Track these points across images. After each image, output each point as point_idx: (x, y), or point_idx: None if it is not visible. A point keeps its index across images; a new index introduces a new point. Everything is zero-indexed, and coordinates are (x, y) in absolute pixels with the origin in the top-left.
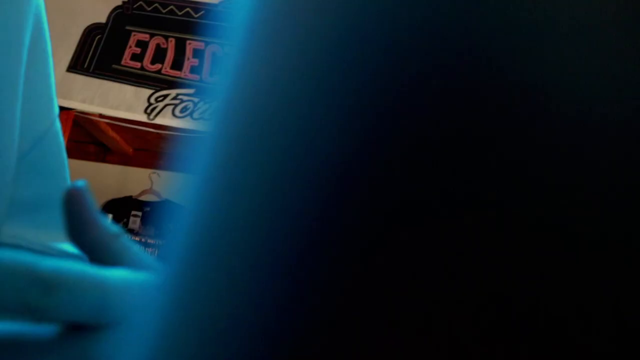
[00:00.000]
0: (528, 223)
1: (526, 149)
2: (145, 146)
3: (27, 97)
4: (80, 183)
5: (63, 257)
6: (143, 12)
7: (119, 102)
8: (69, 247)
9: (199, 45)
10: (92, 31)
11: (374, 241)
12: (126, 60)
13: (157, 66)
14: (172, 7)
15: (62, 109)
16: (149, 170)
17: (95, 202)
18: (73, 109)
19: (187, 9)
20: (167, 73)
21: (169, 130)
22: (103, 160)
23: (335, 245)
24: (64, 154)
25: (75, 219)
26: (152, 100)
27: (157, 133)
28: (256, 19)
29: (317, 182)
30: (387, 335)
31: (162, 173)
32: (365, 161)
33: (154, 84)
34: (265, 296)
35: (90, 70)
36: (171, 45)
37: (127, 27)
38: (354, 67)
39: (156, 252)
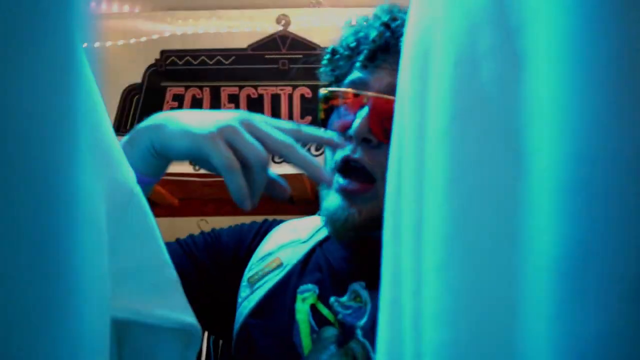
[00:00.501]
0: None
1: None
2: (189, 195)
3: (108, 164)
4: None
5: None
6: (176, 67)
7: None
8: (173, 313)
9: (234, 90)
10: (130, 92)
11: None
12: None
13: None
14: (202, 57)
15: None
16: (196, 219)
17: None
18: None
19: (218, 57)
20: None
21: (210, 177)
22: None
23: None
24: (151, 215)
25: None
26: None
27: (201, 181)
28: None
29: None
30: None
31: (210, 219)
32: None
33: None
34: None
35: None
36: (206, 94)
37: (162, 84)
38: None
39: None
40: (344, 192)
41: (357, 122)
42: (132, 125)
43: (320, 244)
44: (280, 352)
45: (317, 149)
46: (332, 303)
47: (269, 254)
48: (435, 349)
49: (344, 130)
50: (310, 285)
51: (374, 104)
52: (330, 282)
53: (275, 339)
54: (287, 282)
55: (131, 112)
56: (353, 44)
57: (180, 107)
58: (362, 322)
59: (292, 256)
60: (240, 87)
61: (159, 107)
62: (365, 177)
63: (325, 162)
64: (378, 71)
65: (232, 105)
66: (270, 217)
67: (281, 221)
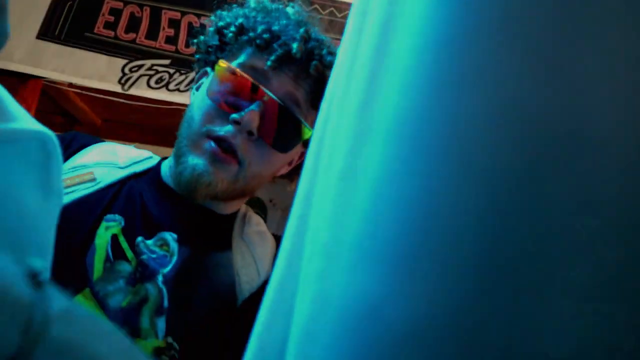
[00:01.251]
0: None
1: None
2: (114, 117)
3: None
4: None
5: None
6: None
7: (92, 71)
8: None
9: (175, 15)
10: None
11: None
12: (99, 28)
13: (131, 35)
14: None
15: (30, 77)
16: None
17: None
18: (42, 78)
19: None
20: (141, 43)
21: (139, 102)
22: (71, 131)
23: None
24: None
25: None
26: (127, 70)
27: (129, 104)
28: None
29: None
30: None
31: (139, 146)
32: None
33: (129, 54)
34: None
35: (62, 38)
36: (146, 14)
37: None
38: None
39: None
40: (213, 156)
41: (250, 114)
42: (60, 32)
43: (136, 176)
44: (68, 265)
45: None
46: (139, 242)
47: (84, 166)
48: (321, 247)
49: (230, 110)
50: (117, 216)
51: (271, 104)
52: (140, 220)
53: (67, 251)
54: (97, 201)
55: (61, 19)
56: (266, 35)
57: (117, 22)
58: (166, 270)
59: (107, 176)
60: (183, 13)
61: (93, 19)
62: (234, 157)
63: (193, 108)
64: (282, 76)
65: (172, 30)
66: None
67: (101, 141)
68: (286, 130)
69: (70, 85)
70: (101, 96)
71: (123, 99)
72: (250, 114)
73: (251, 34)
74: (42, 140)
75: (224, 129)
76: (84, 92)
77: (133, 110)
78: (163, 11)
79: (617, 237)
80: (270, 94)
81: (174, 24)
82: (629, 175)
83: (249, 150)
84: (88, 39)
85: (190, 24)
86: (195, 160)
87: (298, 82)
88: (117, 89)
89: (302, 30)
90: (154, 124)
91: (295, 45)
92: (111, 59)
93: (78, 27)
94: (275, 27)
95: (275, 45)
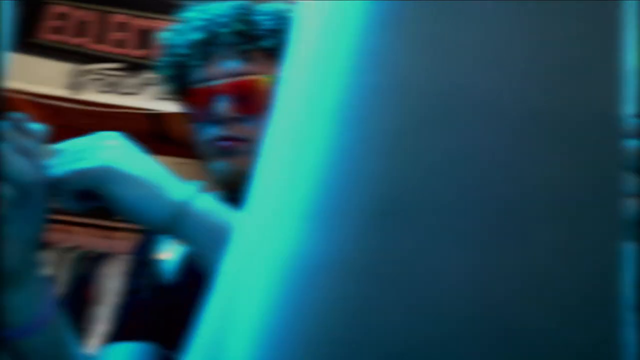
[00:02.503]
0: None
1: None
2: (67, 124)
3: None
4: None
5: None
6: None
7: (41, 77)
8: None
9: (124, 18)
10: None
11: None
12: (46, 33)
13: (80, 40)
14: None
15: None
16: None
17: None
18: None
19: None
20: (90, 47)
21: (92, 106)
22: None
23: None
24: None
25: None
26: (76, 75)
27: (81, 109)
28: None
29: None
30: None
31: None
32: None
33: (77, 58)
34: None
35: None
36: (94, 18)
37: None
38: None
39: None
40: (224, 150)
41: (219, 106)
42: None
43: None
44: None
45: None
46: None
47: None
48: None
49: (207, 117)
50: None
51: (224, 88)
52: None
53: None
54: None
55: None
56: (185, 49)
57: (64, 27)
58: None
59: None
60: (132, 17)
61: (39, 24)
62: (238, 140)
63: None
64: (212, 62)
65: (121, 34)
66: None
67: None
68: (245, 92)
69: (18, 92)
70: (51, 102)
71: (75, 104)
72: (220, 107)
73: (176, 58)
74: None
75: (214, 131)
76: (33, 98)
77: (86, 115)
78: (111, 15)
79: None
80: (214, 83)
81: (124, 27)
82: None
83: (244, 128)
84: (35, 45)
85: (140, 28)
86: (215, 164)
87: (223, 52)
88: (67, 94)
89: (204, 15)
90: (109, 128)
91: (197, 36)
92: (59, 64)
93: (23, 33)
94: (180, 39)
95: (193, 49)
